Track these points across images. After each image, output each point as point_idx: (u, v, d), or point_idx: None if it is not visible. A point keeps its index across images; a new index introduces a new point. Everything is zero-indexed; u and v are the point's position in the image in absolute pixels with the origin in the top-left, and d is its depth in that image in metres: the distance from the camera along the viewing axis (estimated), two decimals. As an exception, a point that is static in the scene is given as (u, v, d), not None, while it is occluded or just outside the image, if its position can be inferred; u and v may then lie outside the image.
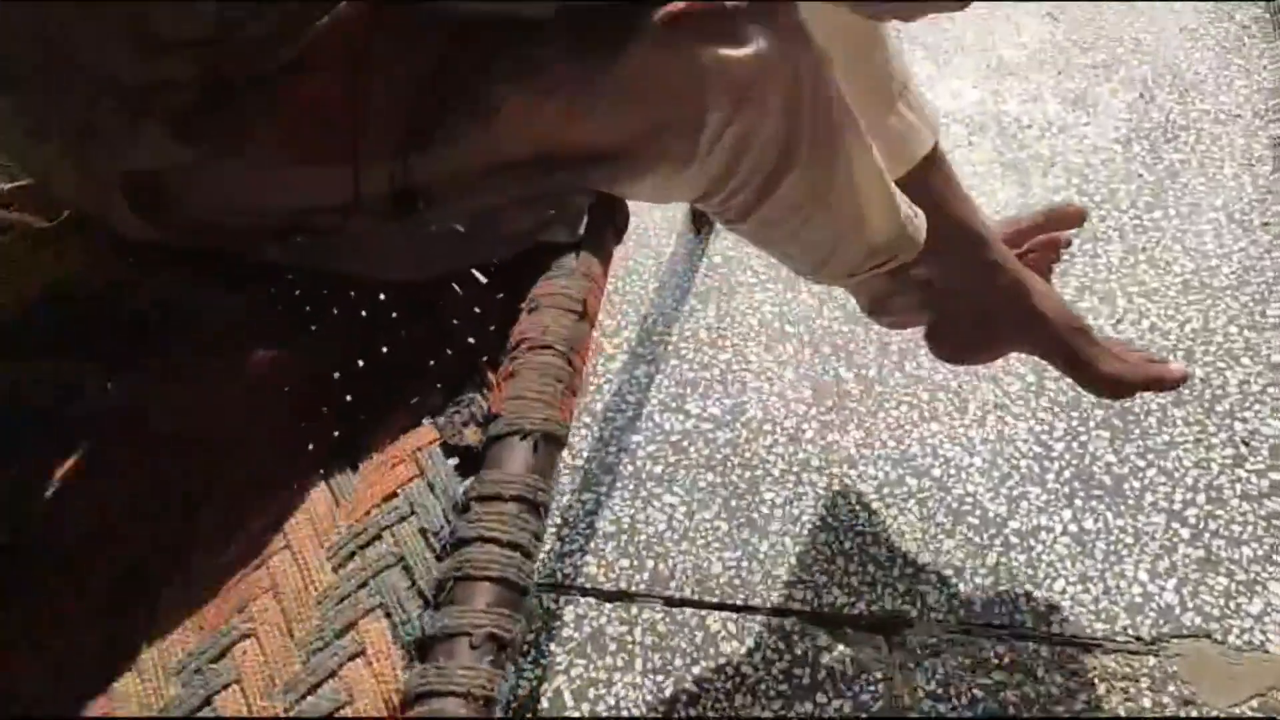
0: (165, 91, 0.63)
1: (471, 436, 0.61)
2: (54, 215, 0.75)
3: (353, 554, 0.59)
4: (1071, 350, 1.04)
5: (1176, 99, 1.56)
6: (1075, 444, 1.21)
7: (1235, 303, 1.31)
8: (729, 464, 1.23)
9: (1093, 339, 1.05)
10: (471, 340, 0.66)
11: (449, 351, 0.66)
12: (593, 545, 1.18)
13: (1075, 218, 1.14)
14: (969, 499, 1.18)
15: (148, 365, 0.69)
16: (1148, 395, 1.24)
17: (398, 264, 0.69)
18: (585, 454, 1.25)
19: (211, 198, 0.68)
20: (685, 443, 1.25)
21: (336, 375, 0.67)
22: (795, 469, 1.22)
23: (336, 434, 0.65)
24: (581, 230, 0.65)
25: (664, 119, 0.65)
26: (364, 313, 0.70)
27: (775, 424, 1.26)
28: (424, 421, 0.63)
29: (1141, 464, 1.19)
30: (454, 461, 0.61)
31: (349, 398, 0.66)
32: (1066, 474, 1.19)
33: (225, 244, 0.71)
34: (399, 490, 0.60)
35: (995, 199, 1.45)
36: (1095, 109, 1.56)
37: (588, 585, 1.16)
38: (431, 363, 0.66)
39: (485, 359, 0.65)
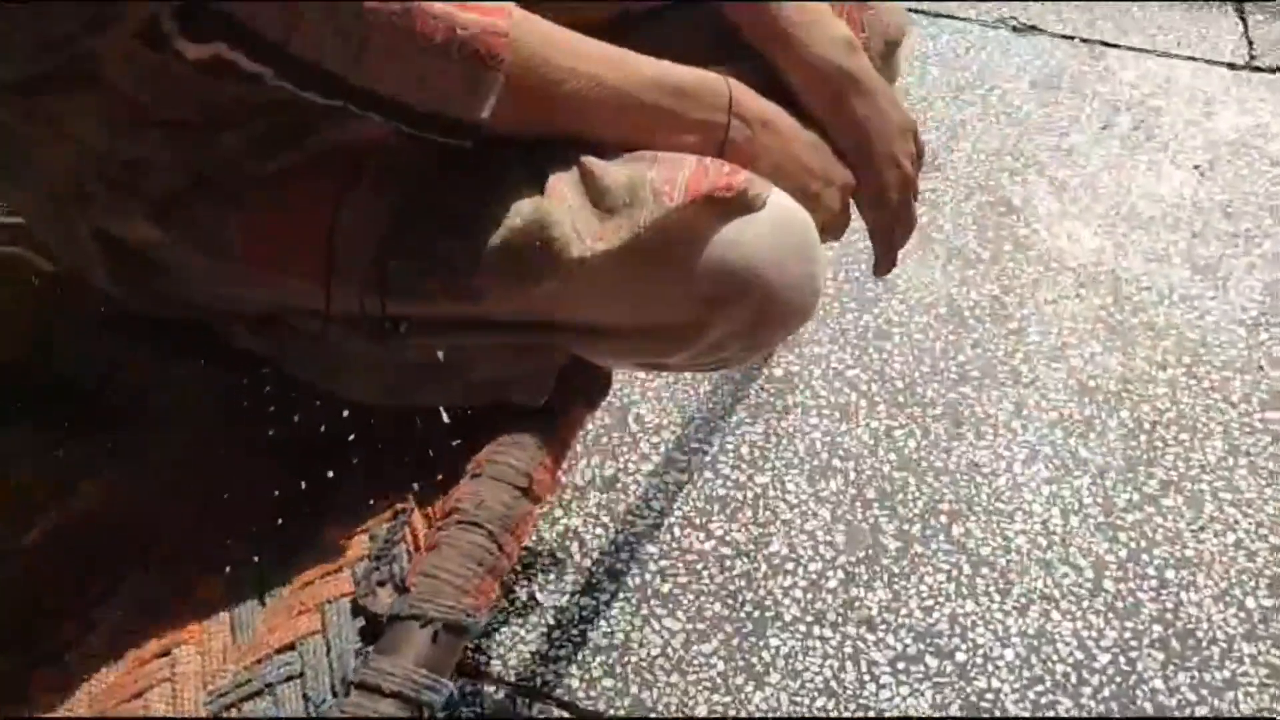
0: (146, 170, 0.60)
1: (383, 600, 0.56)
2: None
3: (232, 705, 0.54)
4: None
5: (1322, 288, 1.42)
6: (1123, 659, 1.09)
7: (1341, 535, 1.17)
8: (740, 598, 1.15)
9: None
10: (416, 486, 0.61)
11: (388, 496, 0.61)
12: (580, 656, 1.12)
13: None
14: (990, 696, 1.07)
15: (94, 435, 0.67)
16: (1216, 618, 1.11)
17: (365, 385, 0.66)
18: (595, 554, 1.19)
19: (189, 277, 0.66)
20: (700, 565, 1.18)
21: (276, 492, 0.63)
22: (809, 619, 1.13)
23: (256, 559, 0.61)
24: (546, 395, 0.60)
25: (665, 314, 0.60)
26: (323, 427, 0.66)
27: (798, 564, 1.18)
28: (344, 570, 0.59)
29: (1193, 698, 1.06)
30: (360, 623, 0.56)
31: (280, 520, 0.62)
32: (1105, 692, 1.07)
33: (200, 319, 0.69)
34: (296, 644, 0.55)
35: (1092, 362, 1.34)
36: (1226, 283, 1.42)
37: (565, 698, 1.10)
38: (371, 501, 0.62)
39: (425, 510, 0.60)
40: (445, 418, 0.64)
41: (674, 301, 0.61)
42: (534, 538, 1.20)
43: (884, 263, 0.79)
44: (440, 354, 0.64)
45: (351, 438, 0.66)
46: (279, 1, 0.50)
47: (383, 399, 0.64)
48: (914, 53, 1.75)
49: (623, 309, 0.62)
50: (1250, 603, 1.13)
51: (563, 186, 0.59)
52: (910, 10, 1.87)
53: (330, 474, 0.64)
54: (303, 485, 0.63)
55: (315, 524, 0.62)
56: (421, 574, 0.54)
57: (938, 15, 1.86)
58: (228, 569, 0.60)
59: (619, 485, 1.25)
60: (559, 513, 1.22)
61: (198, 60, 0.52)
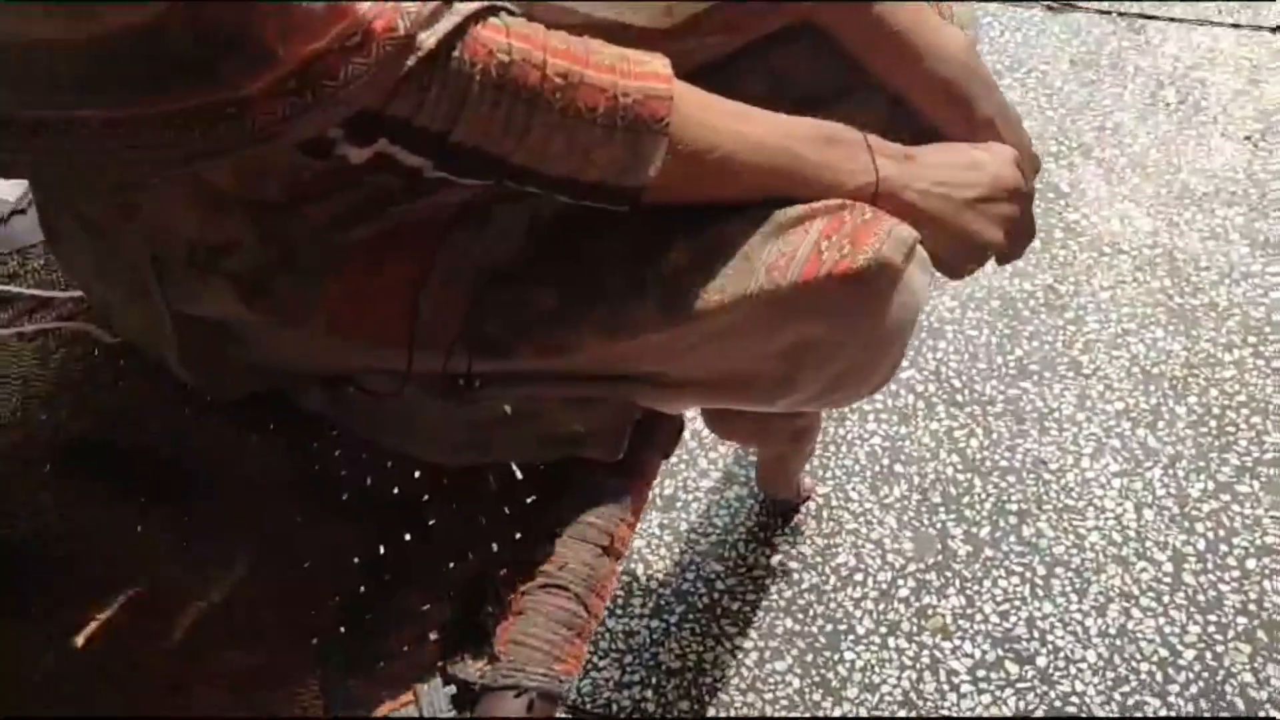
0: (230, 250, 0.61)
1: (472, 668, 0.56)
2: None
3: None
4: None
5: (1389, 255, 1.37)
6: (1209, 654, 1.07)
7: None
8: (811, 612, 1.14)
9: None
10: (495, 547, 0.61)
11: (467, 558, 0.61)
12: (655, 680, 1.12)
13: None
14: (1075, 699, 1.05)
15: (173, 508, 0.67)
16: (1305, 609, 1.08)
17: (436, 444, 0.65)
18: (661, 576, 1.19)
19: (266, 347, 0.66)
20: (768, 580, 1.17)
21: (355, 559, 0.63)
22: (883, 630, 1.12)
23: (342, 629, 0.61)
24: (623, 450, 0.60)
25: (754, 372, 0.60)
26: (396, 489, 0.66)
27: (868, 575, 1.16)
28: (430, 635, 0.58)
29: (1286, 691, 1.04)
30: (450, 691, 0.56)
31: (362, 588, 0.62)
32: (1193, 689, 1.04)
33: (272, 386, 0.69)
34: (389, 717, 0.55)
35: (1154, 348, 1.31)
36: (1288, 257, 1.39)
37: (642, 723, 1.09)
38: (451, 564, 0.61)
39: (504, 572, 0.59)
40: (519, 474, 0.63)
41: (760, 358, 0.60)
42: (599, 562, 1.19)
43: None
44: (508, 409, 0.64)
45: (426, 498, 0.65)
46: (445, 97, 0.51)
47: (456, 457, 0.64)
48: None
49: (710, 360, 0.61)
50: (1338, 589, 1.10)
51: (673, 252, 0.59)
52: (940, -4, 1.84)
53: (407, 536, 0.63)
54: (381, 550, 0.63)
55: (397, 590, 0.62)
56: (511, 641, 0.54)
57: (969, -1, 1.83)
58: (314, 641, 0.60)
59: (679, 504, 1.24)
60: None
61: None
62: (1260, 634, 1.07)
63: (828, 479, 1.24)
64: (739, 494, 1.24)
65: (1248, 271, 1.38)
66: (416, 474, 0.66)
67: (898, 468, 1.24)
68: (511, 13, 0.54)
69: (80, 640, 0.62)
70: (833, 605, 1.14)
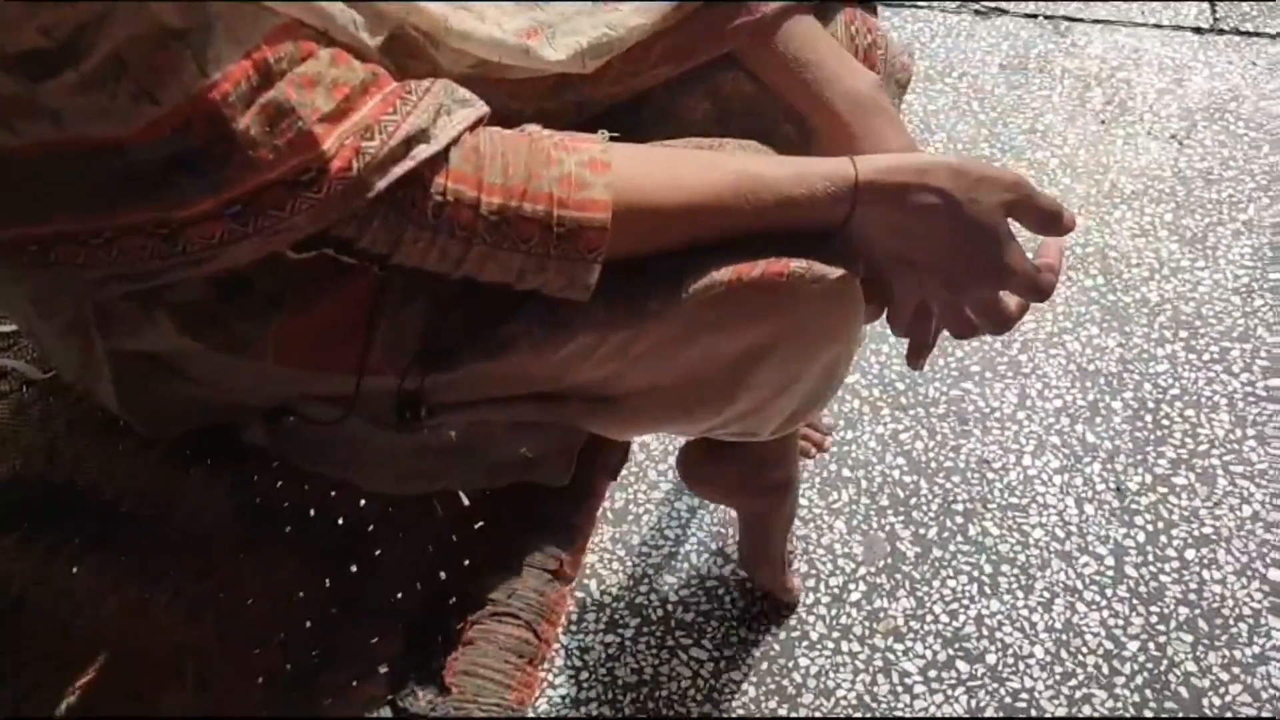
0: (171, 284, 0.59)
1: (423, 700, 0.55)
2: (48, 367, 0.72)
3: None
4: None
5: (1310, 247, 1.42)
6: (1152, 645, 1.09)
7: (1355, 498, 1.17)
8: (765, 620, 1.14)
9: None
10: (443, 576, 0.60)
11: (418, 586, 0.60)
12: (611, 695, 1.11)
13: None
14: (1025, 695, 1.07)
15: (112, 548, 0.65)
16: (1240, 594, 1.11)
17: (382, 474, 0.64)
18: (614, 590, 1.18)
19: (209, 379, 0.65)
20: (721, 591, 1.17)
21: (300, 594, 0.62)
22: (835, 635, 1.13)
23: (289, 667, 0.60)
24: (570, 475, 0.59)
25: (699, 373, 0.60)
26: (341, 520, 0.64)
27: (819, 580, 1.17)
28: (380, 669, 0.57)
29: (1225, 677, 1.06)
30: (400, 725, 0.55)
31: (308, 623, 0.61)
32: (1138, 680, 1.07)
33: (212, 421, 0.68)
34: (338, 755, 0.54)
35: (1090, 345, 1.33)
36: (1215, 252, 1.42)
37: (599, 739, 1.09)
38: (398, 595, 0.61)
39: (453, 601, 0.59)
40: (465, 501, 0.63)
41: (701, 367, 0.60)
42: (552, 578, 1.19)
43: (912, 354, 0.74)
44: (453, 434, 0.63)
45: (372, 529, 0.64)
46: (385, 228, 0.53)
47: (403, 487, 0.64)
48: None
49: (652, 370, 0.61)
50: (1274, 574, 1.13)
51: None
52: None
53: (354, 569, 0.62)
54: (327, 584, 0.62)
55: (344, 624, 0.61)
56: (462, 672, 0.53)
57: (900, 5, 1.86)
58: (259, 682, 0.58)
59: (630, 517, 1.24)
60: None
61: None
62: (1201, 623, 1.10)
63: (777, 486, 1.25)
64: (689, 505, 1.24)
65: (1177, 267, 1.41)
66: (362, 504, 0.65)
67: (845, 472, 1.25)
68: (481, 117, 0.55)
69: (16, 691, 0.60)
70: (786, 612, 1.15)
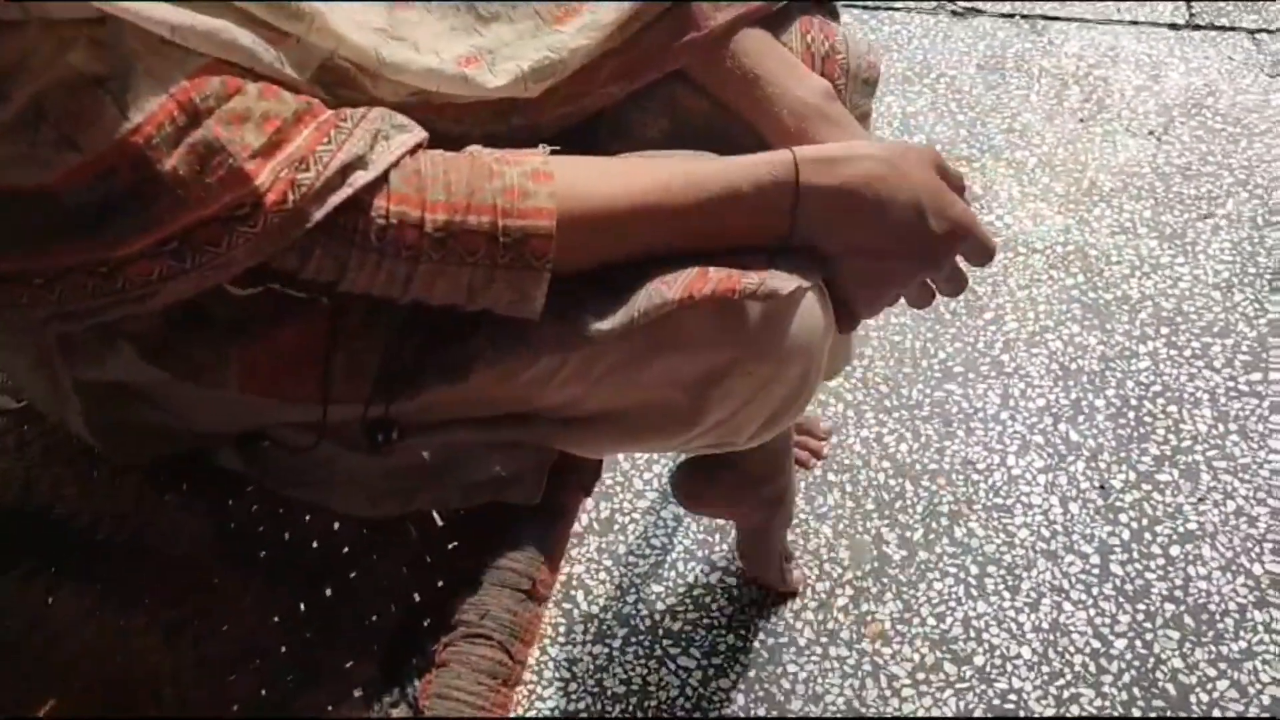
0: (134, 317, 0.59)
1: (397, 723, 0.55)
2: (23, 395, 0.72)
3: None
4: None
5: (1289, 241, 1.42)
6: (1139, 642, 1.09)
7: (1338, 490, 1.17)
8: (752, 627, 1.14)
9: None
10: (417, 597, 0.60)
11: (393, 608, 0.60)
12: (600, 705, 1.11)
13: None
14: (1013, 696, 1.07)
15: (87, 577, 0.65)
16: (1225, 590, 1.11)
17: (356, 497, 0.64)
18: (602, 600, 1.18)
19: (177, 407, 0.65)
20: (708, 599, 1.17)
21: (275, 619, 0.62)
22: (823, 640, 1.13)
23: (264, 692, 0.59)
24: (541, 493, 0.59)
25: (661, 392, 0.59)
26: (315, 543, 0.64)
27: (806, 586, 1.17)
28: (355, 692, 0.57)
29: (1212, 673, 1.06)
30: (377, 749, 0.55)
31: (283, 648, 0.61)
32: (1126, 678, 1.07)
33: (184, 448, 0.68)
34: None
35: (1071, 344, 1.34)
36: (1194, 248, 1.43)
37: (589, 751, 1.09)
38: (374, 617, 0.60)
39: (427, 623, 0.59)
40: (439, 521, 0.63)
41: (665, 386, 0.60)
42: (539, 590, 1.18)
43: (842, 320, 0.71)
44: (426, 455, 0.63)
45: (346, 551, 0.64)
46: (328, 255, 0.53)
47: (376, 509, 0.63)
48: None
49: (616, 391, 0.61)
50: (1257, 569, 1.13)
51: (571, 283, 0.59)
52: (848, 5, 1.87)
53: (328, 592, 0.62)
54: (301, 607, 0.62)
55: (319, 647, 0.61)
56: (435, 695, 0.53)
57: (877, 7, 1.86)
58: (235, 708, 0.58)
59: (616, 526, 1.24)
60: (561, 562, 1.21)
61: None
62: (1187, 619, 1.10)
63: (762, 492, 1.25)
64: (675, 513, 1.24)
65: (1157, 264, 1.42)
66: (336, 527, 0.65)
67: (831, 477, 1.25)
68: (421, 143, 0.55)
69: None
70: (773, 619, 1.15)
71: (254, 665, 0.61)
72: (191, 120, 0.49)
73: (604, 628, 1.16)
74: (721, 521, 1.23)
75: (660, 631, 1.15)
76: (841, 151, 0.63)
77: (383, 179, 0.53)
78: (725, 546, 1.21)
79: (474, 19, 0.63)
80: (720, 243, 0.60)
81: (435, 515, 0.63)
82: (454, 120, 0.64)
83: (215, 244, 0.51)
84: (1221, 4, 1.79)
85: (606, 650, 1.14)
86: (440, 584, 0.60)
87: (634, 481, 1.27)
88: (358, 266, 0.54)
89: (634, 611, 1.17)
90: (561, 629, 1.16)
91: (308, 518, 0.66)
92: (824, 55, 0.73)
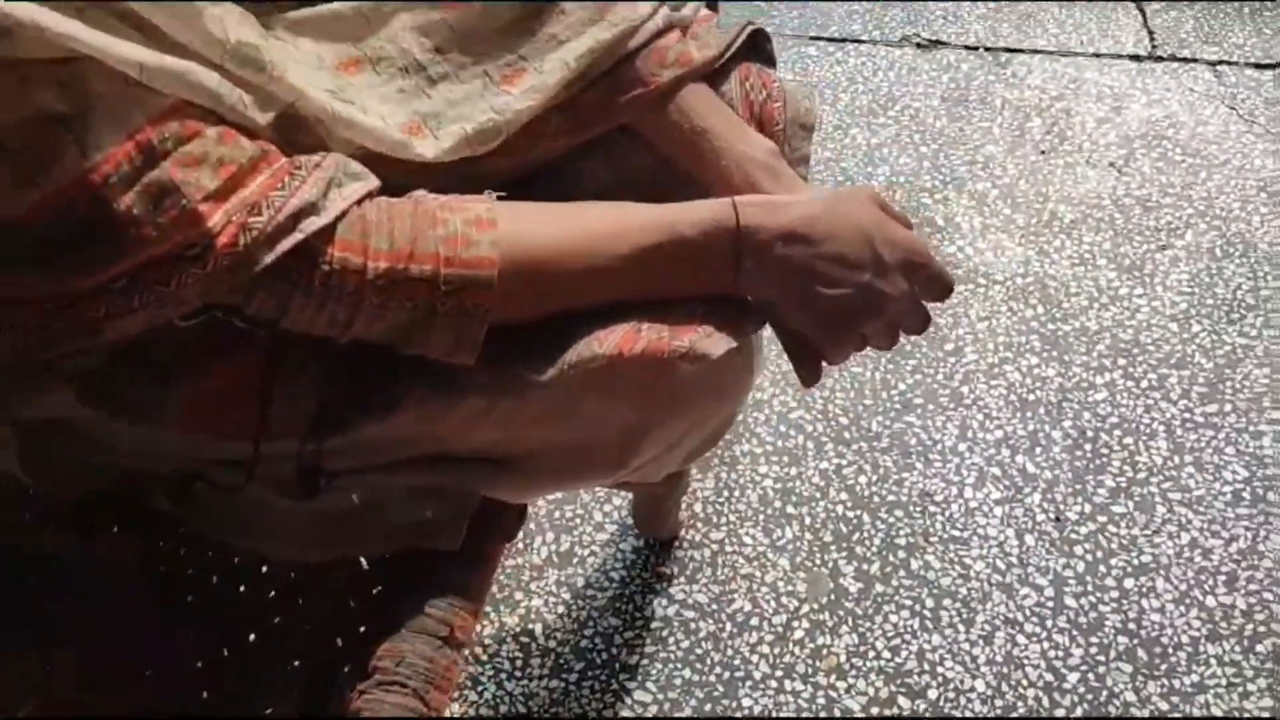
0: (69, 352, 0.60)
1: (313, 771, 0.55)
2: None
3: None
4: None
5: (1247, 273, 1.43)
6: (1092, 675, 1.09)
7: (1291, 522, 1.18)
8: (708, 660, 1.15)
9: None
10: (339, 643, 0.60)
11: (314, 654, 0.60)
12: (554, 740, 1.11)
13: None
14: (966, 730, 1.07)
15: (13, 631, 0.65)
16: (1178, 623, 1.12)
17: (284, 540, 0.65)
18: (559, 634, 1.18)
19: (113, 445, 0.65)
20: (665, 632, 1.17)
21: (199, 664, 0.62)
22: (779, 674, 1.13)
23: (182, 739, 0.60)
24: (460, 541, 0.60)
25: (589, 440, 0.60)
26: (242, 587, 0.65)
27: (763, 619, 1.17)
28: (271, 740, 0.57)
29: (1164, 706, 1.06)
30: (290, 796, 0.55)
31: (205, 694, 0.61)
32: (1079, 711, 1.07)
33: (119, 486, 0.68)
34: (226, 826, 0.54)
35: (1030, 375, 1.35)
36: (1153, 279, 1.44)
37: (544, 787, 1.08)
38: (295, 663, 0.61)
39: (347, 669, 0.59)
40: (365, 566, 0.63)
41: (594, 433, 0.61)
42: (495, 624, 1.18)
43: (806, 370, 0.71)
44: (356, 498, 0.63)
45: (272, 595, 0.64)
46: (272, 296, 0.54)
47: (305, 553, 0.64)
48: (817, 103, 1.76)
49: (545, 436, 0.61)
50: (1210, 601, 1.14)
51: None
52: (814, 38, 1.89)
53: (252, 637, 0.62)
54: (225, 653, 0.62)
55: (240, 694, 0.61)
56: (347, 745, 0.53)
57: (843, 40, 1.88)
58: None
59: (575, 559, 1.24)
60: (519, 595, 1.21)
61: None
62: (1140, 652, 1.10)
63: (722, 525, 1.25)
64: (635, 546, 1.25)
65: (1115, 295, 1.43)
66: (264, 570, 0.65)
67: (789, 509, 1.26)
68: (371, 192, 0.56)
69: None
70: (729, 652, 1.15)
71: (175, 711, 0.61)
72: (149, 161, 0.50)
73: (560, 661, 1.16)
74: (680, 555, 1.23)
75: (617, 665, 1.15)
76: (782, 198, 0.64)
77: (331, 226, 0.54)
78: (683, 580, 1.21)
79: (423, 80, 0.64)
80: (665, 291, 0.61)
81: (362, 561, 0.63)
82: (406, 172, 0.65)
83: (164, 283, 0.51)
84: (1184, 35, 1.82)
85: (562, 685, 1.14)
86: (362, 629, 0.60)
87: (594, 514, 1.28)
88: (299, 309, 0.54)
89: (591, 645, 1.17)
90: (519, 663, 1.16)
91: (236, 561, 0.66)
92: (762, 102, 0.74)
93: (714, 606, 1.18)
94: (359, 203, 0.55)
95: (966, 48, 1.83)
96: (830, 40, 1.88)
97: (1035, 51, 1.81)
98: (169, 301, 0.52)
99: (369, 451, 0.61)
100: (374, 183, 0.57)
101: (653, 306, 0.60)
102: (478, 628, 1.18)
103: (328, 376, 0.60)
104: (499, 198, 0.60)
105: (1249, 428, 1.27)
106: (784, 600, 1.18)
